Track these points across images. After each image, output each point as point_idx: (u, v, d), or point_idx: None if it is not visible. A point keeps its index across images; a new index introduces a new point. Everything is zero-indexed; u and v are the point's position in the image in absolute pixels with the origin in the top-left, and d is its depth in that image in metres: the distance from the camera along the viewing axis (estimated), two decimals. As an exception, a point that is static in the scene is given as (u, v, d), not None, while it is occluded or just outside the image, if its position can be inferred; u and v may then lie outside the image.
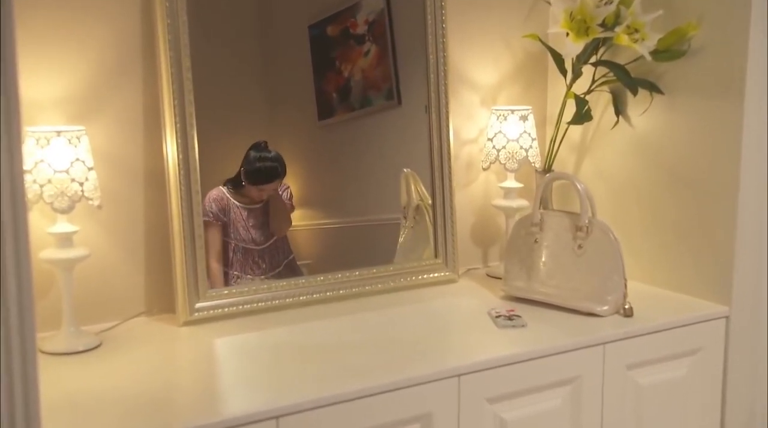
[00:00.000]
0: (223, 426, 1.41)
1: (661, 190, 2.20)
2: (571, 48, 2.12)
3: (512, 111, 2.32)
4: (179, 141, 1.92)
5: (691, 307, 2.06)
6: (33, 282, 0.87)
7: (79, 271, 1.82)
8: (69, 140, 1.73)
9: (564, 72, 2.28)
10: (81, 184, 1.74)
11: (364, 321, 2.00)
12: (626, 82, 2.15)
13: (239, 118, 2.15)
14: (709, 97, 2.05)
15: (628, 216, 2.30)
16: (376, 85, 2.31)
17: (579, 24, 2.08)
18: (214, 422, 1.40)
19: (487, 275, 2.42)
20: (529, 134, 2.32)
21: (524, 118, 2.32)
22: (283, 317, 2.01)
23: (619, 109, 2.28)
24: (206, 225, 1.98)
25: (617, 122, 2.28)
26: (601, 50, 2.23)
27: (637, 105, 2.22)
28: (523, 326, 1.89)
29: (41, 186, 1.70)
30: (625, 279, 1.98)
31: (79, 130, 1.77)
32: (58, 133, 1.73)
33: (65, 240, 1.76)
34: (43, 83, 1.84)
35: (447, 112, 2.31)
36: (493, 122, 2.35)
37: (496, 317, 1.94)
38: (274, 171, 2.12)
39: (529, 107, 2.36)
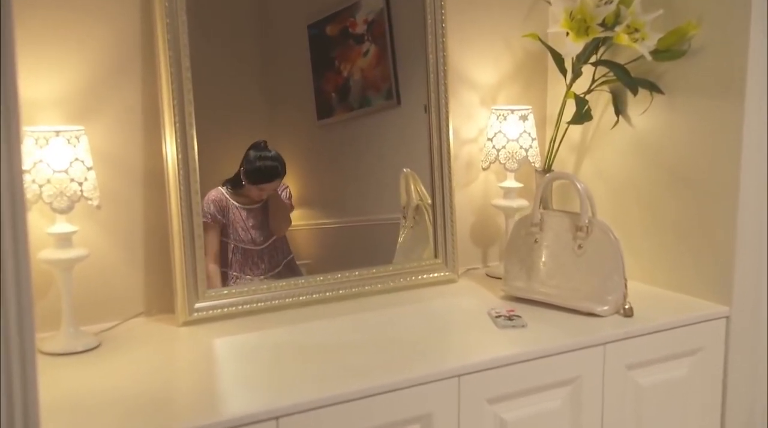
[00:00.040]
0: (223, 427, 1.41)
1: (662, 189, 2.20)
2: (571, 47, 2.12)
3: (512, 111, 2.32)
4: (179, 141, 1.92)
5: (692, 307, 2.06)
6: (32, 283, 0.87)
7: (78, 271, 1.82)
8: (68, 140, 1.73)
9: (564, 71, 2.28)
10: (80, 184, 1.73)
11: (364, 321, 1.99)
12: (626, 81, 2.15)
13: (238, 117, 2.15)
14: (709, 97, 2.05)
15: (628, 216, 2.30)
16: (376, 84, 2.31)
17: (579, 23, 2.08)
18: (214, 422, 1.40)
19: (487, 275, 2.42)
20: (529, 134, 2.32)
21: (524, 118, 2.32)
22: (282, 317, 2.01)
23: (619, 109, 2.28)
24: (204, 226, 1.98)
25: (617, 122, 2.28)
26: (601, 50, 2.22)
27: (637, 105, 2.22)
28: (523, 326, 1.89)
29: (40, 186, 1.70)
30: (626, 279, 1.97)
31: (78, 130, 1.76)
32: (57, 132, 1.72)
33: (64, 240, 1.76)
34: (42, 83, 1.83)
35: (447, 112, 2.31)
36: (492, 122, 2.35)
37: (496, 317, 1.93)
38: (275, 170, 2.12)
39: (529, 107, 2.36)
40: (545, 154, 2.36)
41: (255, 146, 2.10)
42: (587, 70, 2.25)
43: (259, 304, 2.03)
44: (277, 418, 1.45)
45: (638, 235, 2.27)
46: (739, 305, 2.05)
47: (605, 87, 2.28)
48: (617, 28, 2.06)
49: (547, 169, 2.32)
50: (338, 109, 2.28)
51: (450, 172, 2.32)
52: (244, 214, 2.11)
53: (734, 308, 2.05)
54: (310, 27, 2.22)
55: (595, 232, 2.01)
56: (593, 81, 2.26)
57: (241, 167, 2.09)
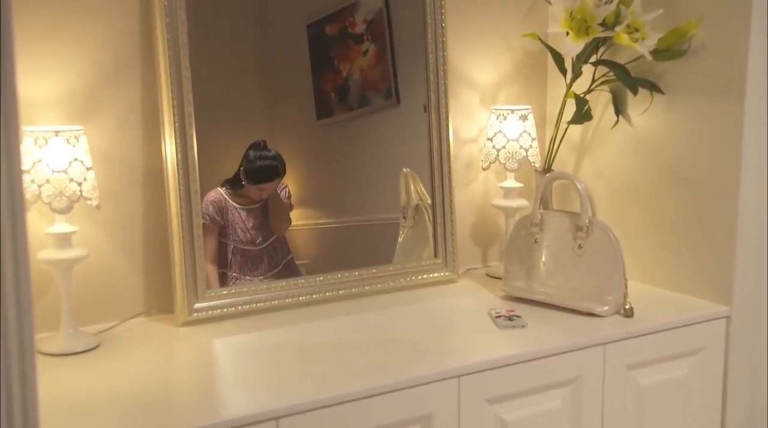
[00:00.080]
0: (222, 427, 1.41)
1: (662, 189, 2.20)
2: (571, 47, 2.12)
3: (512, 110, 2.32)
4: (178, 140, 1.91)
5: (692, 307, 2.06)
6: (31, 283, 0.87)
7: (77, 272, 1.81)
8: (67, 140, 1.73)
9: (564, 71, 2.27)
10: (79, 184, 1.73)
11: (364, 321, 1.99)
12: (626, 81, 2.15)
13: (238, 117, 2.15)
14: (709, 97, 2.04)
15: (628, 216, 2.29)
16: (375, 84, 2.30)
17: (579, 23, 2.08)
18: (213, 423, 1.40)
19: (487, 275, 2.41)
20: (529, 134, 2.32)
21: (524, 118, 2.32)
22: (282, 317, 2.00)
23: (619, 109, 2.27)
24: (202, 228, 1.97)
25: (617, 122, 2.28)
26: (601, 49, 2.22)
27: (638, 104, 2.21)
28: (523, 326, 1.89)
29: (39, 186, 1.69)
30: (626, 279, 1.97)
31: (77, 130, 1.76)
32: (57, 132, 1.72)
33: (64, 240, 1.76)
34: (41, 82, 1.83)
35: (447, 112, 2.31)
36: (492, 122, 2.34)
37: (497, 317, 1.93)
38: (275, 169, 2.12)
39: (529, 107, 2.36)
40: (545, 153, 2.36)
41: (254, 146, 2.10)
42: (587, 70, 2.25)
43: (258, 304, 2.03)
44: (276, 419, 1.45)
45: (638, 235, 2.26)
46: (740, 305, 2.05)
47: (605, 87, 2.27)
48: (617, 28, 2.06)
49: (547, 168, 2.32)
50: (337, 108, 2.28)
51: (450, 172, 2.32)
52: (243, 214, 2.11)
53: (734, 308, 2.04)
54: (309, 27, 2.22)
55: (595, 232, 2.00)
56: (593, 81, 2.26)
57: (240, 167, 2.09)
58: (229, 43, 2.12)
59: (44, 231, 1.75)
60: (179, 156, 1.92)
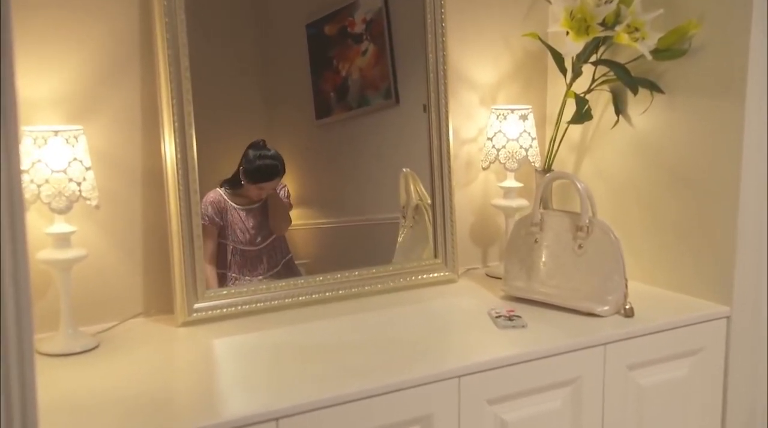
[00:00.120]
0: (222, 428, 1.40)
1: (662, 189, 2.20)
2: (571, 47, 2.11)
3: (512, 110, 2.32)
4: (177, 140, 1.91)
5: (692, 307, 2.06)
6: (30, 283, 0.87)
7: (76, 272, 1.81)
8: (66, 140, 1.72)
9: (564, 71, 2.27)
10: (79, 184, 1.73)
11: (364, 321, 1.99)
12: (626, 81, 2.15)
13: (237, 117, 2.15)
14: (709, 97, 2.04)
15: (628, 216, 2.29)
16: (374, 84, 2.30)
17: (579, 23, 2.07)
18: (213, 424, 1.39)
19: (487, 275, 2.41)
20: (529, 133, 2.31)
21: (524, 118, 2.31)
22: (282, 317, 2.00)
23: (620, 109, 2.27)
24: (202, 229, 1.97)
25: (617, 121, 2.27)
26: (601, 49, 2.22)
27: (638, 104, 2.21)
28: (523, 326, 1.89)
29: (38, 186, 1.69)
30: (626, 279, 1.97)
31: (76, 130, 1.76)
32: (56, 132, 1.72)
33: (63, 240, 1.75)
34: (40, 82, 1.82)
35: (446, 112, 2.30)
36: (492, 121, 2.34)
37: (497, 317, 1.93)
38: (275, 169, 2.11)
39: (529, 106, 2.35)
40: (545, 153, 2.36)
41: (254, 145, 2.10)
42: (587, 70, 2.24)
43: (258, 305, 2.02)
44: (276, 419, 1.44)
45: (638, 235, 2.26)
46: (740, 305, 2.05)
47: (605, 86, 2.27)
48: (617, 28, 2.06)
49: (547, 168, 2.32)
50: (337, 108, 2.28)
51: (450, 172, 2.32)
52: (243, 214, 2.11)
53: (735, 308, 2.04)
54: (308, 26, 2.21)
55: (595, 232, 2.00)
56: (593, 80, 2.25)
57: (240, 166, 2.09)
58: (228, 42, 2.12)
59: (43, 231, 1.75)
60: (179, 156, 1.91)
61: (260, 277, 2.11)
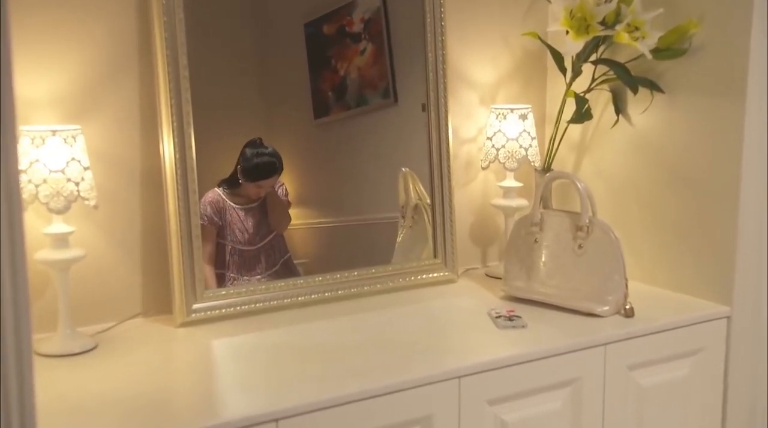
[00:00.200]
0: (221, 429, 1.40)
1: (662, 189, 2.19)
2: (571, 46, 2.11)
3: (512, 110, 2.31)
4: (176, 140, 1.90)
5: (692, 307, 2.05)
6: (28, 284, 0.86)
7: (75, 272, 1.81)
8: (64, 139, 1.72)
9: (563, 70, 2.27)
10: (77, 184, 1.72)
11: (363, 321, 1.98)
12: (626, 80, 2.14)
13: (236, 116, 2.14)
14: (710, 96, 2.04)
15: (628, 215, 2.29)
16: (373, 83, 2.30)
17: (579, 22, 2.07)
18: (213, 425, 1.39)
19: (486, 275, 2.41)
20: (529, 133, 2.31)
21: (524, 117, 2.31)
22: (281, 318, 1.99)
23: (619, 108, 2.27)
24: (200, 229, 1.96)
25: (617, 121, 2.27)
26: (601, 48, 2.21)
27: (638, 104, 2.21)
28: (523, 327, 1.88)
29: (36, 186, 1.68)
30: (626, 279, 1.96)
31: (74, 130, 1.75)
32: (54, 132, 1.71)
33: (61, 240, 1.75)
34: (38, 81, 1.82)
35: (446, 111, 2.30)
36: (492, 121, 2.34)
37: (497, 317, 1.92)
38: (272, 166, 2.11)
39: (529, 106, 2.35)
40: (545, 153, 2.35)
41: (251, 143, 2.09)
42: (587, 69, 2.24)
43: (257, 305, 2.02)
44: (276, 420, 1.44)
45: (638, 235, 2.26)
46: (740, 305, 2.05)
47: (605, 86, 2.27)
48: (617, 27, 2.05)
49: (546, 168, 2.31)
50: (335, 107, 2.27)
51: (449, 172, 2.31)
52: (242, 214, 2.10)
53: (735, 308, 2.04)
54: (306, 26, 2.21)
55: (595, 232, 2.00)
56: (593, 80, 2.25)
57: (237, 165, 2.08)
58: (227, 42, 2.12)
59: (41, 231, 1.74)
60: (177, 155, 1.91)
61: (259, 277, 2.11)
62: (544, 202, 2.17)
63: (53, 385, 1.56)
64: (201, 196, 1.98)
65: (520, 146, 2.29)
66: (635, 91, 2.15)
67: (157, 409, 1.47)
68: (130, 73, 1.93)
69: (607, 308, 1.95)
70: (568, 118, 2.26)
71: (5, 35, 0.81)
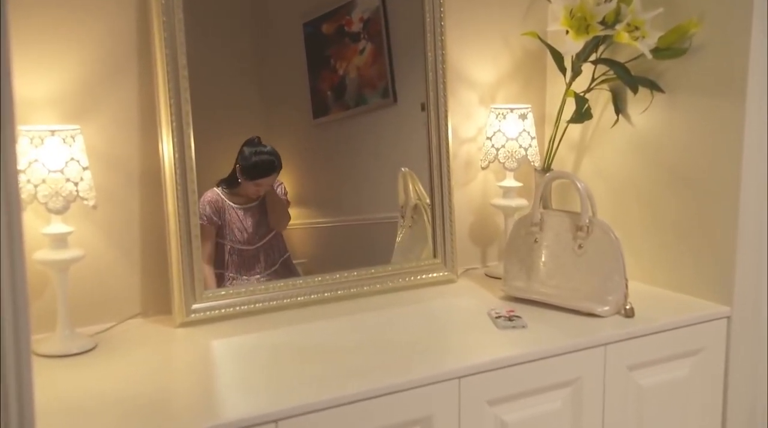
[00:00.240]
0: (221, 430, 1.39)
1: (662, 189, 2.19)
2: (571, 46, 2.11)
3: (511, 109, 2.31)
4: (175, 140, 1.90)
5: (692, 307, 2.05)
6: (27, 284, 0.86)
7: (73, 272, 1.80)
8: (63, 139, 1.71)
9: (563, 70, 2.27)
10: (76, 184, 1.72)
11: (363, 321, 1.98)
12: (626, 80, 2.14)
13: (235, 116, 2.14)
14: (710, 96, 2.04)
15: (628, 215, 2.29)
16: (372, 83, 2.30)
17: (579, 21, 2.07)
18: (212, 425, 1.38)
19: (486, 275, 2.40)
20: (529, 133, 2.31)
21: (523, 117, 2.31)
22: (280, 318, 1.99)
23: (619, 108, 2.26)
24: (200, 228, 1.96)
25: (617, 121, 2.27)
26: (601, 48, 2.21)
27: (638, 103, 2.21)
28: (523, 327, 1.88)
29: (35, 186, 1.68)
30: (626, 279, 1.96)
31: (73, 129, 1.75)
32: (53, 132, 1.71)
33: (60, 241, 1.74)
34: (37, 81, 1.81)
35: (446, 111, 2.29)
36: (492, 121, 2.33)
37: (496, 318, 1.92)
38: (271, 164, 2.11)
39: (528, 105, 2.35)
40: (545, 153, 2.35)
41: (249, 142, 2.09)
42: (587, 69, 2.24)
43: (256, 305, 2.01)
44: (276, 421, 1.44)
45: (638, 235, 2.26)
46: (740, 305, 2.04)
47: (605, 85, 2.27)
48: (617, 26, 2.05)
49: (546, 168, 2.31)
50: (334, 107, 2.27)
51: (449, 172, 2.31)
52: (241, 213, 2.10)
53: (735, 308, 2.04)
54: (305, 25, 2.21)
55: (595, 232, 1.99)
56: (593, 79, 2.25)
57: (236, 164, 2.08)
58: (226, 42, 2.12)
59: (40, 231, 1.74)
60: (176, 155, 1.90)
61: (258, 276, 2.11)
62: (544, 201, 2.16)
63: (52, 386, 1.56)
64: (200, 195, 1.97)
65: (520, 146, 2.29)
66: (635, 91, 2.15)
67: (156, 410, 1.46)
68: (129, 73, 1.93)
69: (607, 308, 1.95)
70: (568, 118, 2.26)
71: (5, 35, 0.81)
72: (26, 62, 1.79)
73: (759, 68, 1.95)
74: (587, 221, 2.00)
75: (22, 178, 1.67)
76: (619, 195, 2.32)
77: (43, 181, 1.68)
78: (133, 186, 1.96)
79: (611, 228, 1.98)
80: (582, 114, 2.24)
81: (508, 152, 2.29)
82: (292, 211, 2.18)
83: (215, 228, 2.06)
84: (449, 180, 2.31)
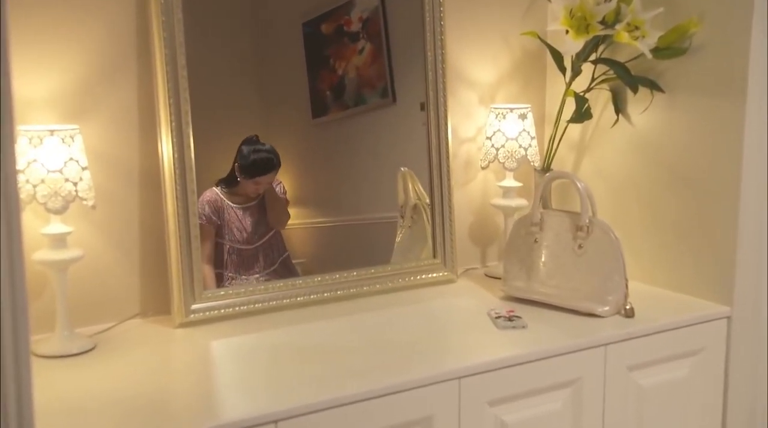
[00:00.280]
0: (221, 431, 1.39)
1: (662, 189, 2.19)
2: (571, 45, 2.11)
3: (511, 109, 2.31)
4: (174, 140, 1.90)
5: (693, 308, 2.05)
6: (26, 284, 0.86)
7: (73, 272, 1.80)
8: (62, 139, 1.71)
9: (563, 70, 2.27)
10: (75, 184, 1.71)
11: (362, 322, 1.98)
12: (626, 79, 2.14)
13: (234, 116, 2.14)
14: (710, 96, 2.03)
15: (628, 215, 2.28)
16: (371, 82, 2.30)
17: (579, 21, 2.06)
18: (212, 426, 1.38)
19: (486, 275, 2.40)
20: (528, 133, 2.31)
21: (523, 117, 2.30)
22: (280, 318, 1.99)
23: (619, 108, 2.26)
24: (199, 228, 1.96)
25: (617, 120, 2.26)
26: (601, 48, 2.21)
27: (638, 103, 2.20)
28: (523, 327, 1.88)
29: (34, 186, 1.68)
30: (626, 279, 1.96)
31: (72, 129, 1.74)
32: (52, 131, 1.71)
33: (59, 241, 1.74)
34: (36, 81, 1.81)
35: (445, 110, 2.29)
36: (491, 120, 2.33)
37: (496, 318, 1.92)
38: (270, 162, 2.11)
39: (528, 105, 2.35)
40: (544, 152, 2.35)
41: (247, 141, 2.09)
42: (587, 68, 2.23)
43: (256, 305, 2.01)
44: (276, 422, 1.43)
45: (638, 235, 2.25)
46: (740, 305, 2.04)
47: (605, 85, 2.26)
48: (617, 26, 2.05)
49: (546, 168, 2.31)
50: (333, 107, 2.27)
51: (449, 171, 2.31)
52: (240, 213, 2.10)
53: (735, 308, 2.03)
54: (304, 25, 2.21)
55: (595, 232, 1.99)
56: (593, 79, 2.24)
57: (235, 163, 2.08)
58: (225, 41, 2.12)
59: (39, 231, 1.73)
60: (176, 155, 1.90)
61: (257, 276, 2.11)
62: (544, 201, 2.16)
63: (51, 386, 1.56)
64: (199, 195, 1.97)
65: (520, 146, 2.28)
66: (635, 91, 2.15)
67: (155, 410, 1.46)
68: (128, 72, 1.93)
69: (607, 308, 1.94)
70: (568, 118, 2.26)
71: (4, 35, 0.81)
72: (26, 62, 1.79)
73: (759, 68, 1.95)
74: (587, 221, 2.00)
75: (21, 178, 1.67)
76: (619, 195, 2.31)
77: (42, 181, 1.68)
78: (133, 186, 1.96)
79: (611, 228, 1.98)
80: (582, 114, 2.23)
81: (508, 152, 2.29)
82: (292, 211, 2.18)
83: (214, 227, 2.06)
84: (449, 180, 2.31)
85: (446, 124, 2.30)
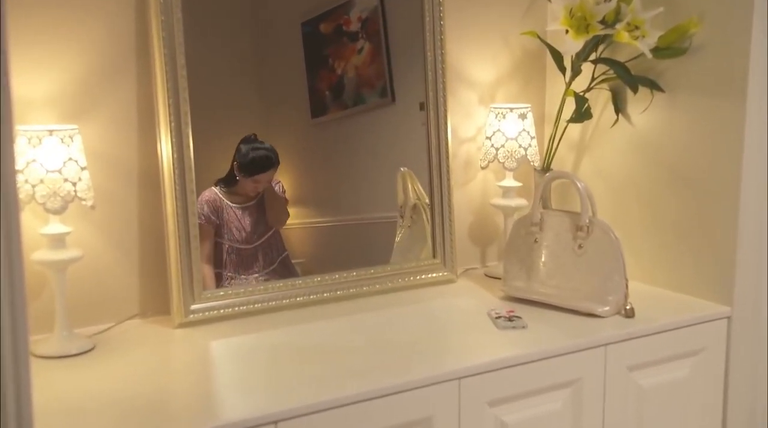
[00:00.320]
0: (220, 431, 1.39)
1: (662, 189, 2.19)
2: (571, 45, 2.10)
3: (511, 109, 2.30)
4: (174, 140, 1.90)
5: (693, 308, 2.05)
6: (25, 284, 0.86)
7: (72, 273, 1.79)
8: (61, 139, 1.71)
9: (563, 69, 2.26)
10: (74, 184, 1.71)
11: (362, 322, 1.97)
12: (626, 79, 2.14)
13: (233, 116, 2.14)
14: (710, 96, 2.03)
15: (628, 215, 2.28)
16: (370, 82, 2.29)
17: (579, 21, 2.06)
18: (211, 426, 1.38)
19: (486, 275, 2.40)
20: (528, 132, 2.30)
21: (523, 116, 2.30)
22: (279, 318, 1.99)
23: (619, 107, 2.26)
24: (198, 228, 1.96)
25: (617, 120, 2.26)
26: (601, 47, 2.21)
27: (638, 103, 2.20)
28: (523, 327, 1.87)
29: (33, 186, 1.67)
30: (626, 279, 1.96)
31: (71, 129, 1.74)
32: (51, 131, 1.70)
33: (58, 241, 1.74)
34: (35, 81, 1.81)
35: (445, 110, 2.29)
36: (491, 120, 2.33)
37: (496, 318, 1.92)
38: (269, 160, 2.10)
39: (528, 105, 2.34)
40: (544, 152, 2.35)
41: (245, 140, 2.09)
42: (587, 68, 2.23)
43: (255, 305, 2.01)
44: (275, 422, 1.43)
45: (638, 235, 2.25)
46: (740, 305, 2.04)
47: (605, 85, 2.26)
48: (617, 26, 2.05)
49: (546, 167, 2.31)
50: (332, 107, 2.27)
51: (448, 171, 2.31)
52: (239, 212, 2.10)
53: (735, 308, 2.03)
54: (303, 25, 2.21)
55: (595, 232, 1.99)
56: (593, 79, 2.24)
57: (234, 162, 2.08)
58: (224, 41, 2.11)
59: (38, 231, 1.73)
60: (175, 155, 1.90)
61: (256, 275, 2.10)
62: (544, 201, 2.16)
63: (50, 386, 1.56)
64: (199, 195, 1.97)
65: (520, 146, 2.28)
66: (635, 91, 2.15)
67: (155, 411, 1.46)
68: (127, 72, 1.93)
69: (607, 308, 1.94)
70: (568, 118, 2.26)
71: (4, 35, 0.81)
72: (25, 62, 1.79)
73: (759, 68, 1.95)
74: (587, 221, 1.99)
75: (20, 178, 1.67)
76: (619, 195, 2.31)
77: (41, 181, 1.68)
78: (132, 186, 1.96)
79: (611, 228, 1.98)
80: (582, 113, 2.23)
81: (508, 152, 2.28)
82: (291, 211, 2.18)
83: (213, 227, 2.06)
84: (449, 180, 2.31)
85: (446, 123, 2.30)
